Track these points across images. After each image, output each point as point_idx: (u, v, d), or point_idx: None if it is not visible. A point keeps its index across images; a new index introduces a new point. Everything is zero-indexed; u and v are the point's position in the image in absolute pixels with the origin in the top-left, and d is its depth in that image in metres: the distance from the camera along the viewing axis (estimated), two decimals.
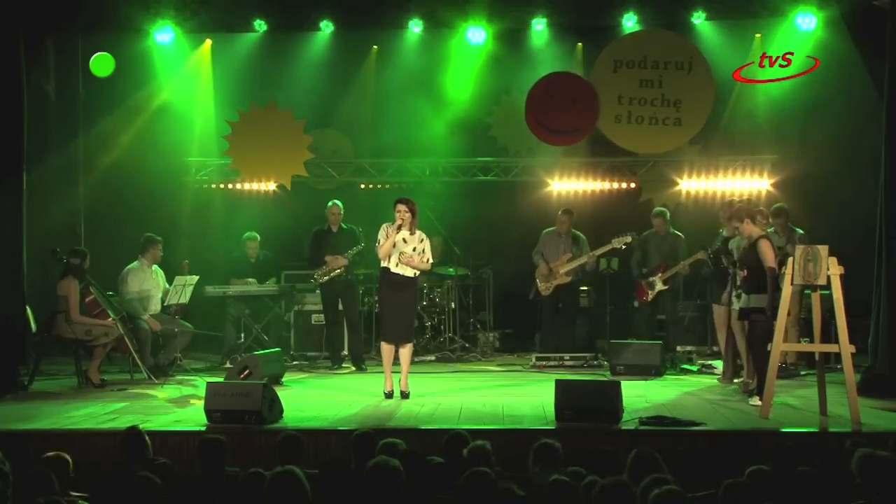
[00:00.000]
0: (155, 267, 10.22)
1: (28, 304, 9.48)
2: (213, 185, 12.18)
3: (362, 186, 12.44)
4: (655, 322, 10.93)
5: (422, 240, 8.49)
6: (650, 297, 10.63)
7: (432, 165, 12.16)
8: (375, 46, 11.88)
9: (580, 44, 11.79)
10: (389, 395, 8.46)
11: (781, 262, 7.87)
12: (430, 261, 8.63)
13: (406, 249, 8.40)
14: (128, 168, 11.48)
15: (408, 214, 8.37)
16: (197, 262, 10.70)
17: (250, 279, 11.05)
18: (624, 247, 10.46)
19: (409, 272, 8.46)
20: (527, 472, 5.36)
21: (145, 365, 9.50)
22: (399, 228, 8.35)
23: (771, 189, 11.56)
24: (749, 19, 11.29)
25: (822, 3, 10.63)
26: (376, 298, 9.64)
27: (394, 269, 8.43)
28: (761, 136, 11.67)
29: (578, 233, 10.87)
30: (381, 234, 8.46)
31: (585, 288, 11.42)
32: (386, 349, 8.57)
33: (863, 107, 10.24)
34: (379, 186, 12.34)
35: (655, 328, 10.86)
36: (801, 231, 9.68)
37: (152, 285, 10.10)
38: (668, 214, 10.92)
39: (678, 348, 10.99)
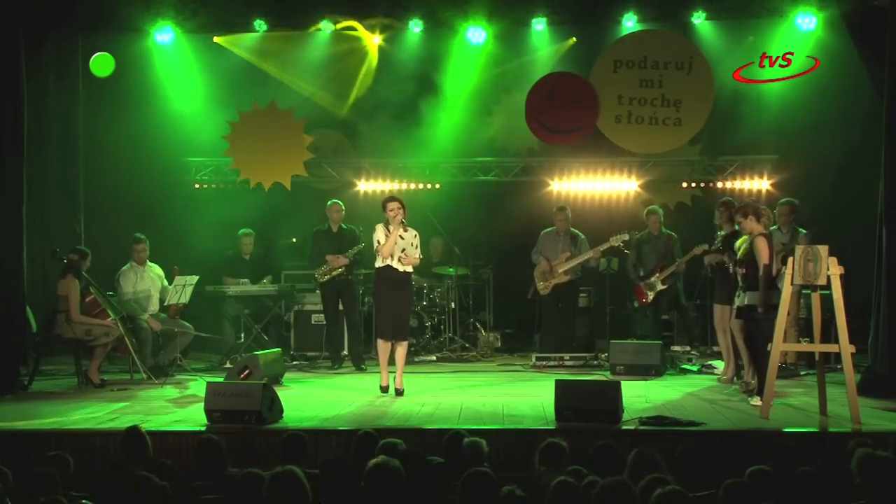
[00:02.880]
0: (152, 266, 10.21)
1: (28, 304, 9.48)
2: (213, 185, 12.17)
3: (362, 187, 12.43)
4: (660, 322, 10.93)
5: (415, 235, 8.69)
6: (650, 298, 10.63)
7: (432, 165, 12.16)
8: (376, 43, 11.85)
9: (573, 38, 11.72)
10: (385, 390, 8.57)
11: (784, 260, 7.86)
12: (420, 256, 8.82)
13: (405, 245, 8.56)
14: (128, 168, 11.47)
15: (402, 210, 8.53)
16: (197, 262, 10.69)
17: (243, 279, 11.04)
18: (622, 244, 10.46)
19: (408, 269, 8.62)
20: (526, 471, 5.37)
21: (145, 365, 9.50)
22: (400, 225, 8.48)
23: (771, 189, 11.56)
24: (749, 19, 11.30)
25: (822, 3, 10.64)
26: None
27: (396, 266, 8.53)
28: (761, 136, 11.66)
29: (577, 232, 10.87)
30: (380, 235, 8.57)
31: (586, 288, 11.41)
32: (383, 346, 8.64)
33: (862, 107, 10.23)
34: (379, 186, 12.32)
35: (661, 328, 10.86)
36: (804, 231, 9.66)
37: (148, 285, 10.09)
38: (662, 214, 10.94)
39: (676, 348, 10.99)
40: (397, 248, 8.53)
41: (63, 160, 11.50)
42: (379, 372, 8.79)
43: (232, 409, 7.08)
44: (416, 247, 8.66)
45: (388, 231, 8.53)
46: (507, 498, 4.29)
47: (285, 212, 12.18)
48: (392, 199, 8.66)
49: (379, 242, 8.56)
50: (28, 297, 9.44)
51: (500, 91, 12.15)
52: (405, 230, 8.59)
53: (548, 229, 10.92)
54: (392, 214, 8.50)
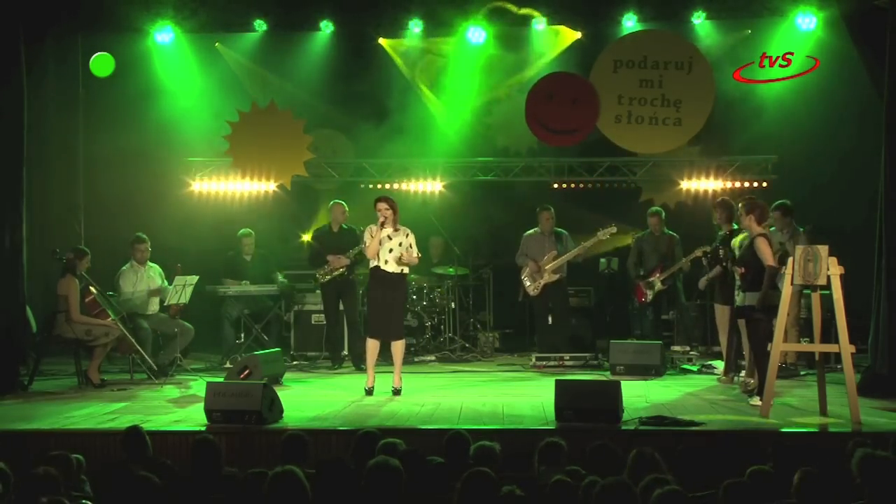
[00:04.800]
0: (152, 266, 10.22)
1: (28, 305, 9.48)
2: (213, 185, 12.16)
3: (362, 186, 12.43)
4: (660, 322, 10.92)
5: (407, 235, 8.66)
6: (649, 297, 10.63)
7: (432, 165, 12.16)
8: (379, 42, 11.84)
9: (579, 32, 11.72)
10: (370, 392, 8.56)
11: (781, 260, 7.85)
12: (419, 255, 8.79)
13: (392, 246, 8.53)
14: (128, 168, 11.46)
15: (389, 212, 8.53)
16: (196, 262, 10.69)
17: (244, 280, 11.03)
18: (609, 237, 10.45)
19: (399, 269, 8.59)
20: (526, 471, 5.37)
21: (145, 364, 9.49)
22: (382, 226, 8.49)
23: (771, 189, 11.55)
24: (749, 19, 11.30)
25: (822, 3, 10.65)
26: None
27: (384, 267, 8.55)
28: (761, 136, 11.66)
29: (560, 230, 10.81)
30: (367, 236, 8.65)
31: (586, 289, 11.39)
32: (372, 346, 8.68)
33: (862, 107, 10.23)
34: (379, 186, 12.32)
35: (661, 328, 10.84)
36: (802, 229, 9.66)
37: (148, 285, 10.10)
38: (664, 214, 10.93)
39: (676, 348, 10.98)
40: (384, 248, 8.53)
41: (63, 160, 11.50)
42: (380, 372, 8.81)
43: (232, 409, 7.08)
44: (411, 246, 8.62)
45: (374, 232, 8.57)
46: (507, 498, 4.29)
47: (285, 212, 12.17)
48: (382, 199, 8.65)
49: (365, 244, 8.65)
50: (28, 298, 9.44)
51: (499, 91, 12.14)
52: (395, 230, 8.58)
53: (530, 231, 10.84)
54: (379, 214, 8.53)
